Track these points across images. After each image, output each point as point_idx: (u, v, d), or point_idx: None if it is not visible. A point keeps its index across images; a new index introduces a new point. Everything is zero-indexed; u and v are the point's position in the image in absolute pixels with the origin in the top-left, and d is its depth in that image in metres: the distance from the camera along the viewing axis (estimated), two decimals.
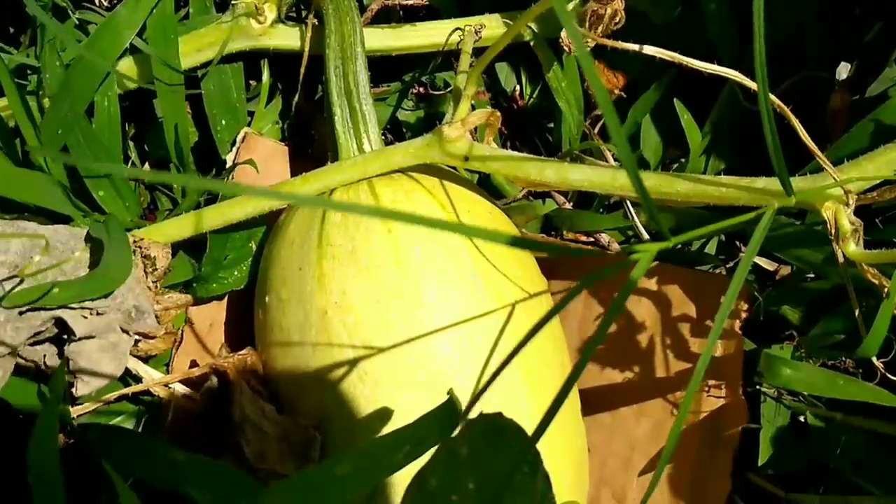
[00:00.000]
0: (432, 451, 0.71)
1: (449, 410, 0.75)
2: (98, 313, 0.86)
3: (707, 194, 0.91)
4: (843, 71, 1.12)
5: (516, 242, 0.69)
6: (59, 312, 0.83)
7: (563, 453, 0.99)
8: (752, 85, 0.75)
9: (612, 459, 1.11)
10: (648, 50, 0.89)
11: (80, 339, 0.85)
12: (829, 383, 0.94)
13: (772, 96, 0.82)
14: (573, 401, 1.05)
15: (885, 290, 0.85)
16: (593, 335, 1.13)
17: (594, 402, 1.11)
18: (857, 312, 0.90)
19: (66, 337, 0.87)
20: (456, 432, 0.70)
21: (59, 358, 0.87)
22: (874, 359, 0.90)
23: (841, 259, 0.87)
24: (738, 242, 1.16)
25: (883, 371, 0.90)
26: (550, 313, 0.69)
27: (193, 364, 1.07)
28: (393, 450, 0.74)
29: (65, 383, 0.86)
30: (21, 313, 0.82)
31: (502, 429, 0.69)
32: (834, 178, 0.85)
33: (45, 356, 0.88)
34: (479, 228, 0.61)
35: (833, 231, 0.87)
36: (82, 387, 0.87)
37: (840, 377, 0.93)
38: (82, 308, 0.85)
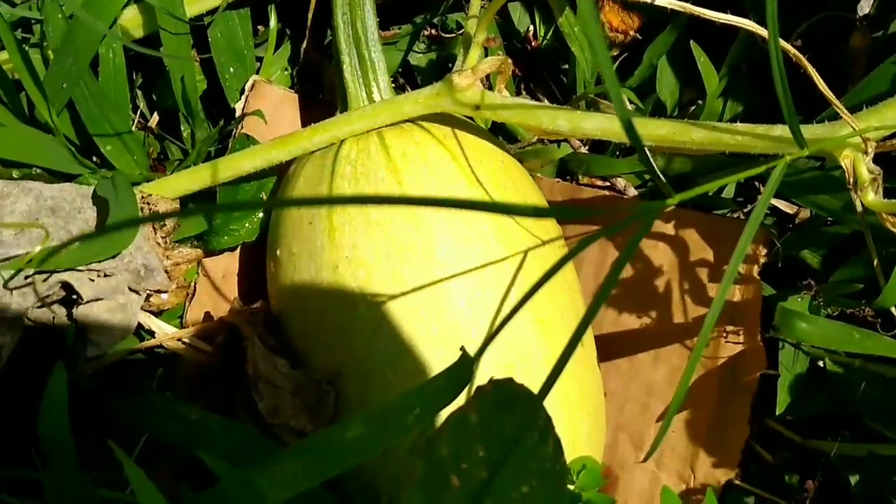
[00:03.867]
0: (445, 411, 0.70)
1: (459, 371, 0.74)
2: (105, 275, 0.85)
3: (723, 142, 0.89)
4: (866, 5, 1.09)
5: (530, 212, 0.68)
6: (65, 276, 0.83)
7: (579, 402, 0.98)
8: (765, 32, 0.73)
9: (630, 405, 1.11)
10: (661, 1, 0.86)
11: (87, 301, 0.84)
12: (846, 337, 0.92)
13: (786, 44, 0.80)
14: (588, 348, 1.04)
15: None
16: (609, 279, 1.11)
17: (611, 348, 1.10)
18: (875, 262, 0.88)
19: (74, 298, 0.87)
20: (466, 399, 0.69)
21: (68, 319, 0.87)
22: (893, 309, 0.88)
23: (859, 208, 0.85)
24: (757, 183, 1.14)
25: None
26: (559, 263, 0.68)
27: (207, 316, 1.07)
28: (404, 412, 0.74)
29: (75, 345, 0.86)
30: (27, 277, 0.82)
31: (513, 395, 0.69)
32: (852, 127, 0.83)
33: (53, 318, 0.87)
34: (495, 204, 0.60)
35: (851, 180, 0.85)
36: (92, 349, 0.87)
37: (856, 330, 0.91)
38: (89, 270, 0.85)
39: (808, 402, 1.06)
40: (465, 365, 0.75)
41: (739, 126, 0.88)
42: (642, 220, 0.74)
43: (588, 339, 1.04)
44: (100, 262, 0.85)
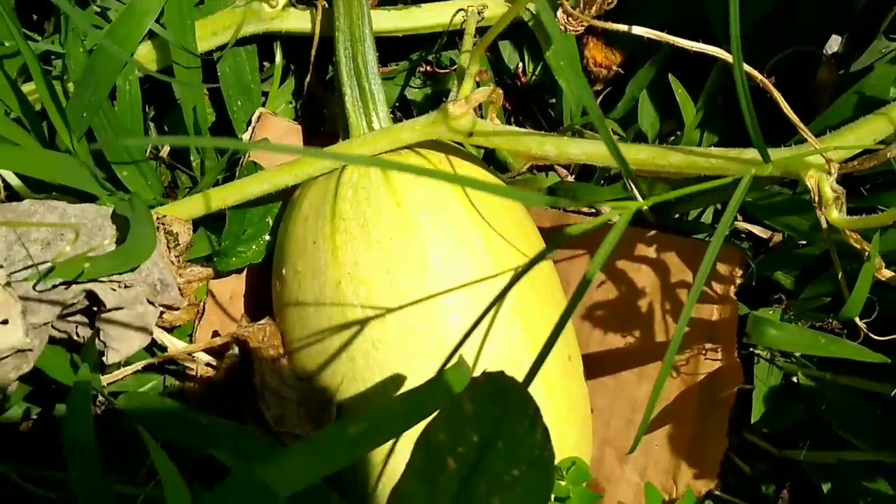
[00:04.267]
0: None
1: (458, 373, 0.81)
2: (126, 286, 0.92)
3: (698, 165, 0.96)
4: (834, 44, 1.16)
5: (506, 192, 0.74)
6: (89, 286, 0.89)
7: (568, 412, 1.04)
8: (730, 58, 0.80)
9: (615, 420, 1.16)
10: (637, 30, 0.93)
11: (109, 310, 0.91)
12: (812, 342, 0.99)
13: (752, 70, 0.88)
14: (576, 362, 1.10)
15: (867, 253, 0.91)
16: (597, 302, 1.18)
17: (598, 367, 1.16)
18: (840, 275, 0.95)
19: (96, 309, 0.93)
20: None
21: (90, 329, 0.93)
22: (857, 319, 0.95)
23: (824, 225, 0.92)
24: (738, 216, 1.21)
25: (865, 331, 0.95)
26: (536, 258, 0.74)
27: (216, 334, 1.13)
28: (405, 410, 0.80)
29: (96, 352, 0.92)
30: (54, 286, 0.88)
31: (504, 386, 0.75)
32: (815, 147, 0.90)
33: (77, 327, 0.93)
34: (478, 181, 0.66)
35: (816, 198, 0.92)
36: (112, 355, 0.93)
37: (822, 336, 0.98)
38: (111, 282, 0.91)
39: (783, 414, 1.12)
40: (461, 368, 0.82)
41: (713, 150, 0.96)
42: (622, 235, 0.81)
43: (575, 354, 1.10)
44: (120, 274, 0.91)
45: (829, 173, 0.91)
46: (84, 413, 0.84)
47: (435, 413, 0.75)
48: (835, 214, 0.91)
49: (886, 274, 0.92)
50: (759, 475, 1.14)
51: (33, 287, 0.88)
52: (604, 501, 1.14)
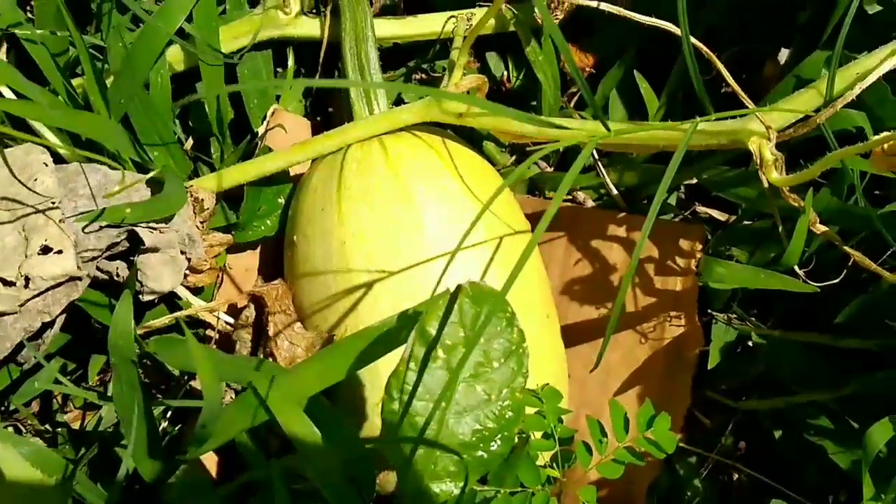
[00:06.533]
0: None
1: (444, 295, 0.93)
2: (161, 232, 1.06)
3: (657, 138, 1.11)
4: (783, 57, 1.32)
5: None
6: (131, 228, 1.04)
7: (546, 364, 1.18)
8: (677, 31, 0.96)
9: (591, 384, 1.28)
10: (604, 6, 1.09)
11: (147, 250, 1.05)
12: (753, 277, 1.12)
13: (696, 41, 1.04)
14: (554, 324, 1.23)
15: (801, 206, 1.05)
16: (574, 278, 1.32)
17: (574, 336, 1.28)
18: (780, 229, 1.10)
19: (133, 257, 1.08)
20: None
21: (129, 269, 1.08)
22: (796, 267, 1.09)
23: (766, 184, 1.06)
24: (695, 201, 1.35)
25: (804, 277, 1.09)
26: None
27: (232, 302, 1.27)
28: (398, 329, 0.93)
29: (135, 286, 1.06)
30: (101, 228, 1.03)
31: (485, 291, 0.88)
32: (757, 117, 1.05)
33: (117, 269, 1.08)
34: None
35: (759, 161, 1.06)
36: (147, 294, 1.07)
37: (761, 271, 1.12)
38: (149, 226, 1.05)
39: (739, 372, 1.26)
40: (448, 294, 0.94)
41: (669, 123, 1.10)
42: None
43: (553, 315, 1.23)
44: (157, 222, 1.06)
45: (769, 139, 1.06)
46: (126, 326, 0.97)
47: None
48: (774, 175, 1.06)
49: (821, 228, 1.06)
50: (718, 428, 1.27)
51: (82, 229, 1.02)
52: None
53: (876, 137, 0.93)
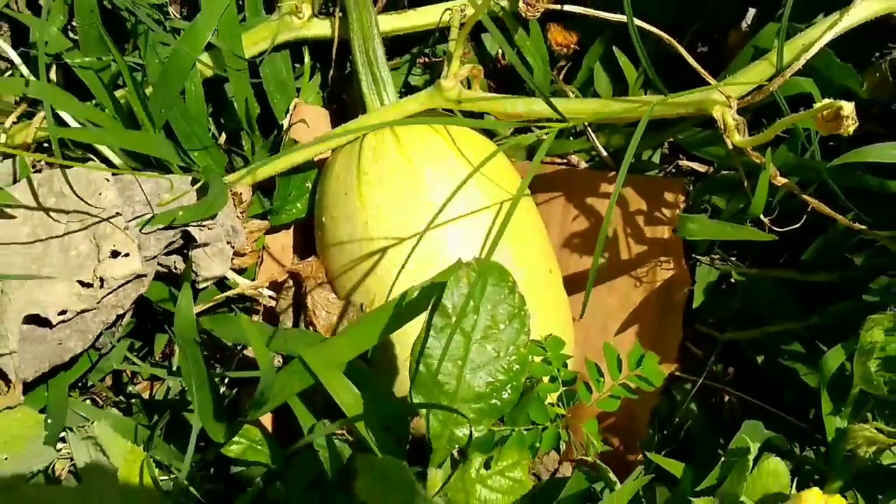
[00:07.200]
0: None
1: (455, 267, 1.09)
2: (209, 228, 1.23)
3: (635, 110, 1.26)
4: (749, 17, 1.45)
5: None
6: (185, 228, 1.21)
7: (550, 315, 1.33)
8: (623, 19, 1.12)
9: (592, 327, 1.43)
10: (571, 8, 1.25)
11: (199, 245, 1.22)
12: (721, 229, 1.26)
13: (653, 28, 1.21)
14: (556, 278, 1.38)
15: (763, 163, 1.20)
16: (573, 233, 1.47)
17: (576, 284, 1.43)
18: (745, 184, 1.25)
19: (187, 251, 1.25)
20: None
21: (185, 263, 1.25)
22: (762, 216, 1.24)
23: (730, 146, 1.21)
24: (680, 155, 1.50)
25: (769, 225, 1.23)
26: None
27: (272, 278, 1.43)
28: (420, 299, 1.09)
29: (191, 276, 1.23)
30: (159, 229, 1.20)
31: (490, 265, 1.04)
32: (714, 85, 1.20)
33: (175, 262, 1.25)
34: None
35: (722, 126, 1.21)
36: (202, 282, 1.25)
37: (728, 224, 1.25)
38: (199, 225, 1.22)
39: (724, 306, 1.41)
40: (459, 267, 1.10)
41: (643, 97, 1.26)
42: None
43: (555, 269, 1.38)
44: (204, 220, 1.23)
45: (730, 107, 1.21)
46: (188, 311, 1.15)
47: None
48: (737, 137, 1.20)
49: (781, 180, 1.21)
50: (708, 357, 1.42)
51: (140, 231, 1.19)
52: None
53: (816, 106, 1.08)
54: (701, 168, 1.46)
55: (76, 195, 1.18)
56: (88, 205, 1.19)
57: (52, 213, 1.20)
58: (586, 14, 1.28)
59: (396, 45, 1.52)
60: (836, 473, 1.12)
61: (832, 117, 1.07)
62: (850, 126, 1.06)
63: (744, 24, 1.43)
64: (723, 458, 1.09)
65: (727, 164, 1.37)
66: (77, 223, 1.18)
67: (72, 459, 1.22)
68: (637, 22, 1.25)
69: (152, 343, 1.41)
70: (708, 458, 1.18)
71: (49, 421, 1.22)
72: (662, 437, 1.40)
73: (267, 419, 1.32)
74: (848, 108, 1.05)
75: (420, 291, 1.08)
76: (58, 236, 1.18)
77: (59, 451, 1.24)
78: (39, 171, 1.27)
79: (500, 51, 1.54)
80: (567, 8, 1.29)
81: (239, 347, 1.34)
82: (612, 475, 1.11)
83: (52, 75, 1.41)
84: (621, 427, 1.39)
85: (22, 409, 1.15)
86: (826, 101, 1.07)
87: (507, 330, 1.05)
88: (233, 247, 1.27)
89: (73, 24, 1.40)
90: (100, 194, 1.19)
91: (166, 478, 1.25)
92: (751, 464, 1.02)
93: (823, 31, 1.18)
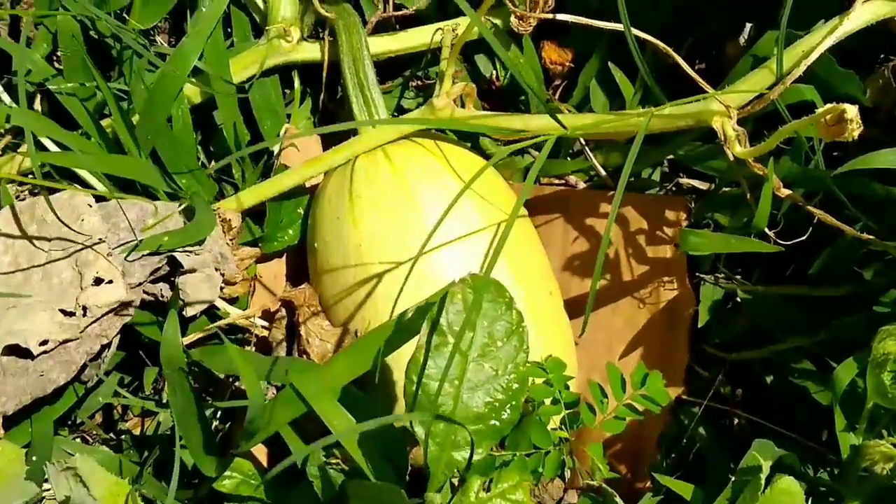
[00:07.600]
0: None
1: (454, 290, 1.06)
2: (196, 254, 1.19)
3: (631, 124, 1.22)
4: (746, 32, 1.43)
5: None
6: (171, 253, 1.17)
7: (552, 337, 1.30)
8: (619, 27, 1.09)
9: (597, 348, 1.39)
10: (562, 16, 1.22)
11: (186, 271, 1.18)
12: (724, 242, 1.23)
13: (650, 37, 1.17)
14: (557, 300, 1.35)
15: (765, 174, 1.17)
16: (573, 254, 1.44)
17: (578, 307, 1.39)
18: (748, 196, 1.21)
19: (174, 278, 1.21)
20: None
21: (171, 290, 1.21)
22: (766, 230, 1.20)
23: (731, 157, 1.18)
24: (680, 173, 1.47)
25: (774, 238, 1.20)
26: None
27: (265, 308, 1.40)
28: (415, 320, 1.05)
29: (178, 304, 1.19)
30: (144, 255, 1.16)
31: (486, 282, 1.01)
32: (714, 95, 1.17)
33: (161, 290, 1.22)
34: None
35: (723, 137, 1.18)
36: (189, 310, 1.21)
37: (732, 237, 1.23)
38: (185, 251, 1.19)
39: (729, 326, 1.38)
40: (453, 286, 1.06)
41: (640, 111, 1.23)
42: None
43: (555, 291, 1.34)
44: (191, 245, 1.19)
45: (730, 117, 1.18)
46: (174, 341, 1.11)
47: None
48: (738, 148, 1.17)
49: (785, 192, 1.18)
50: (715, 379, 1.38)
51: (125, 258, 1.16)
52: None
53: (819, 111, 1.05)
54: (702, 185, 1.43)
55: (59, 220, 1.14)
56: (71, 230, 1.15)
57: (34, 241, 1.16)
58: (580, 24, 1.24)
59: (388, 68, 1.49)
60: (852, 493, 1.08)
61: (835, 122, 1.04)
62: (855, 130, 1.03)
63: (741, 39, 1.40)
64: (733, 479, 1.04)
65: (729, 179, 1.34)
66: (60, 251, 1.15)
67: None
68: (634, 31, 1.21)
69: (143, 377, 1.37)
70: (719, 479, 1.14)
71: (34, 458, 1.18)
72: (671, 463, 1.36)
73: (262, 453, 1.28)
74: (851, 111, 1.02)
75: (415, 311, 1.05)
76: (40, 265, 1.15)
77: (49, 490, 1.20)
78: (23, 199, 1.24)
79: (493, 72, 1.51)
80: (560, 17, 1.26)
81: (231, 380, 1.31)
82: (619, 499, 1.07)
83: (38, 105, 1.37)
84: (629, 453, 1.35)
85: (2, 443, 1.11)
86: (829, 105, 1.04)
87: (505, 347, 1.01)
88: (222, 273, 1.24)
89: (59, 53, 1.37)
90: (83, 220, 1.16)
91: None
92: (763, 483, 0.98)
93: (823, 37, 1.15)
